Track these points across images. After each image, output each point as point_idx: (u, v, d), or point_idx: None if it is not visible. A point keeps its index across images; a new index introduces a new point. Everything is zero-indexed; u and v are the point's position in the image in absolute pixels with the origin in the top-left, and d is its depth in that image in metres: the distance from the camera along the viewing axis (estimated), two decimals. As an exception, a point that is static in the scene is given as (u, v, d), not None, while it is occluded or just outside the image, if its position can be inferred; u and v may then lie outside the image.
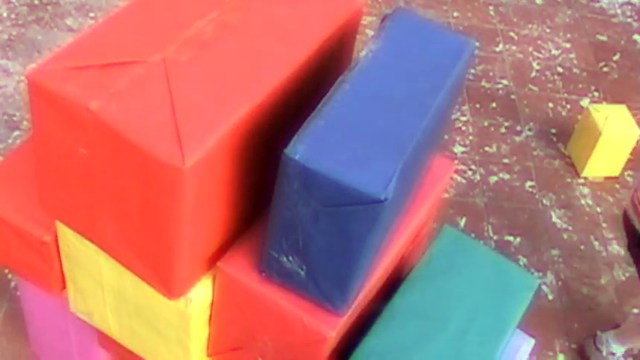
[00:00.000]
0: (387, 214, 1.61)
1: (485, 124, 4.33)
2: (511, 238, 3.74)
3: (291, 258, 1.73)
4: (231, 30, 1.82)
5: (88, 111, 1.58)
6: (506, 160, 4.10)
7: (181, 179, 1.55)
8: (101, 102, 1.59)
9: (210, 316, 1.97)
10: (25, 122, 3.76)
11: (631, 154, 4.11)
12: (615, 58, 4.93)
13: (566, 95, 4.60)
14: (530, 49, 4.89)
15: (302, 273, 1.74)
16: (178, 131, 1.56)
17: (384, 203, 1.54)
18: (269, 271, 1.79)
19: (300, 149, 1.56)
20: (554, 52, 4.90)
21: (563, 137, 4.30)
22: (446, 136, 3.96)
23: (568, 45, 4.97)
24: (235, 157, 1.69)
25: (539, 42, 4.96)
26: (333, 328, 1.79)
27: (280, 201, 1.64)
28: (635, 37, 5.13)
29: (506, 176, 4.04)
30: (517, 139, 4.27)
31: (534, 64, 4.78)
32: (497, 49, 4.84)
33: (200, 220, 1.71)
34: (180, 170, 1.53)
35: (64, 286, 2.17)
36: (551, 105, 4.52)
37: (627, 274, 3.64)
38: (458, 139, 4.20)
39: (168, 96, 1.62)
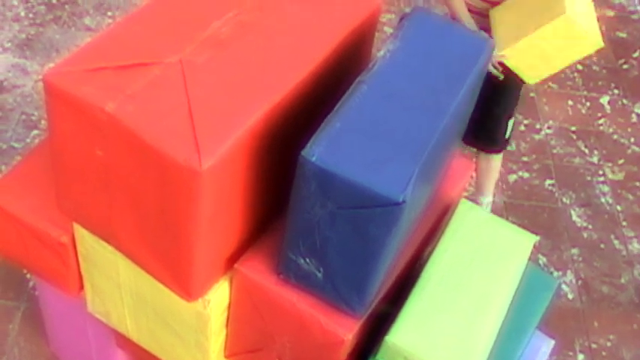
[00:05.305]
0: (405, 216, 1.59)
1: (504, 121, 4.29)
2: (530, 237, 3.71)
3: (308, 260, 1.72)
4: (249, 30, 1.81)
5: (105, 113, 1.58)
6: (525, 159, 4.07)
7: (198, 182, 1.54)
8: (118, 104, 1.58)
9: (228, 318, 1.96)
10: (43, 121, 3.77)
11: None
12: (635, 55, 4.88)
13: (585, 93, 4.56)
14: (550, 46, 4.85)
15: (319, 275, 1.73)
16: (195, 133, 1.55)
17: (402, 205, 1.53)
18: (286, 272, 1.78)
19: (317, 151, 1.55)
20: (574, 49, 4.85)
21: (583, 135, 4.27)
22: (464, 135, 3.93)
23: (588, 42, 4.92)
24: (252, 159, 1.68)
25: (558, 39, 4.91)
26: (350, 330, 1.78)
27: (298, 203, 1.63)
28: (656, 33, 5.09)
29: (526, 174, 4.01)
30: (536, 137, 4.24)
31: (553, 62, 4.73)
32: (516, 46, 4.79)
33: (217, 221, 1.70)
34: (198, 173, 1.52)
35: (81, 287, 2.17)
36: (570, 103, 4.48)
37: (648, 273, 3.61)
38: (476, 137, 4.17)
39: (185, 97, 1.62)
